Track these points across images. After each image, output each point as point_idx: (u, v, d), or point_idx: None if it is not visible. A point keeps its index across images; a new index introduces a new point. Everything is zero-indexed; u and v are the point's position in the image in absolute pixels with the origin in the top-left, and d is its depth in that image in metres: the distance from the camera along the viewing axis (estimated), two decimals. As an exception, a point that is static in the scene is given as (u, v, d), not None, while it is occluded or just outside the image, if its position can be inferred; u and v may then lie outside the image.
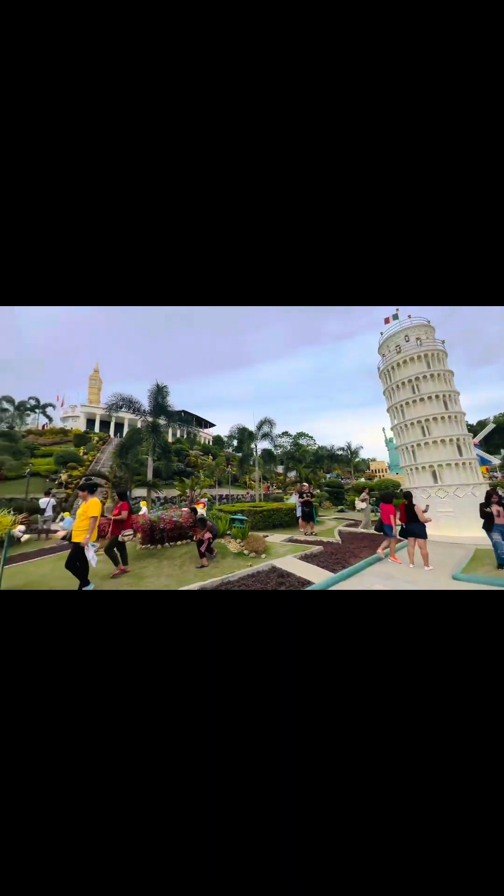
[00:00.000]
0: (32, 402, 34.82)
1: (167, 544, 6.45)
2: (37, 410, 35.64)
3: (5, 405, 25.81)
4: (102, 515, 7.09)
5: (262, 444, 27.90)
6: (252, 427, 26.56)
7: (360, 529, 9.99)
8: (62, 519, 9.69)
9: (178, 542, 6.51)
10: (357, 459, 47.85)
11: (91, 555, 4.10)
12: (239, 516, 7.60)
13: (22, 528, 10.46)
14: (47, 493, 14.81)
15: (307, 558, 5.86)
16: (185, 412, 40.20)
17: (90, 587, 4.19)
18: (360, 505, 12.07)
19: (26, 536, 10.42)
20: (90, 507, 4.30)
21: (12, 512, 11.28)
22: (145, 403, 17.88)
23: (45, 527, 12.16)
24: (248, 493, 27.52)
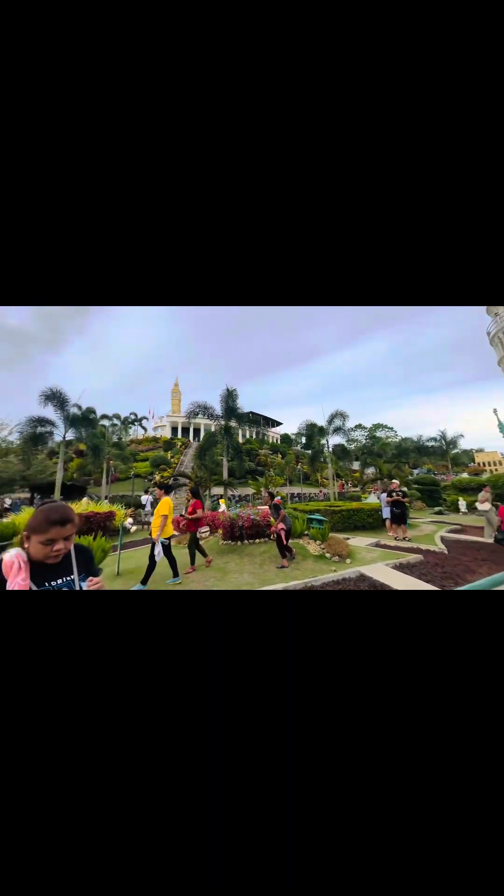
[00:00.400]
0: (132, 417, 42.34)
1: (246, 542, 6.75)
2: (135, 423, 43.07)
3: (115, 421, 32.04)
4: (181, 516, 7.87)
5: (334, 440, 26.22)
6: (321, 422, 25.22)
7: (485, 539, 7.73)
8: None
9: (257, 541, 6.73)
10: (455, 451, 40.49)
11: (158, 550, 4.49)
12: (317, 516, 7.31)
13: (130, 520, 12.64)
14: (146, 492, 17.52)
15: (403, 568, 5.04)
16: (253, 413, 41.45)
17: (177, 580, 4.64)
18: (481, 507, 9.63)
19: (134, 527, 12.54)
20: (162, 505, 4.72)
21: (124, 507, 13.78)
22: (217, 409, 19.11)
23: (146, 519, 14.42)
24: (320, 492, 26.19)
